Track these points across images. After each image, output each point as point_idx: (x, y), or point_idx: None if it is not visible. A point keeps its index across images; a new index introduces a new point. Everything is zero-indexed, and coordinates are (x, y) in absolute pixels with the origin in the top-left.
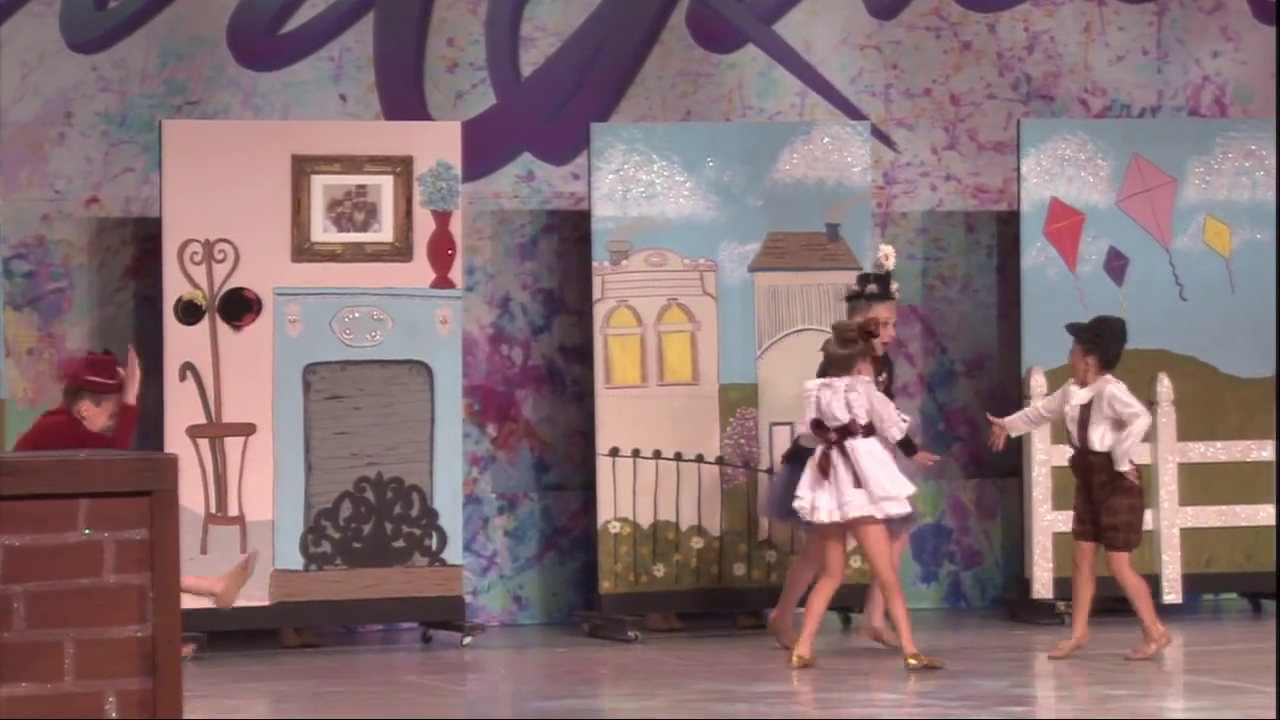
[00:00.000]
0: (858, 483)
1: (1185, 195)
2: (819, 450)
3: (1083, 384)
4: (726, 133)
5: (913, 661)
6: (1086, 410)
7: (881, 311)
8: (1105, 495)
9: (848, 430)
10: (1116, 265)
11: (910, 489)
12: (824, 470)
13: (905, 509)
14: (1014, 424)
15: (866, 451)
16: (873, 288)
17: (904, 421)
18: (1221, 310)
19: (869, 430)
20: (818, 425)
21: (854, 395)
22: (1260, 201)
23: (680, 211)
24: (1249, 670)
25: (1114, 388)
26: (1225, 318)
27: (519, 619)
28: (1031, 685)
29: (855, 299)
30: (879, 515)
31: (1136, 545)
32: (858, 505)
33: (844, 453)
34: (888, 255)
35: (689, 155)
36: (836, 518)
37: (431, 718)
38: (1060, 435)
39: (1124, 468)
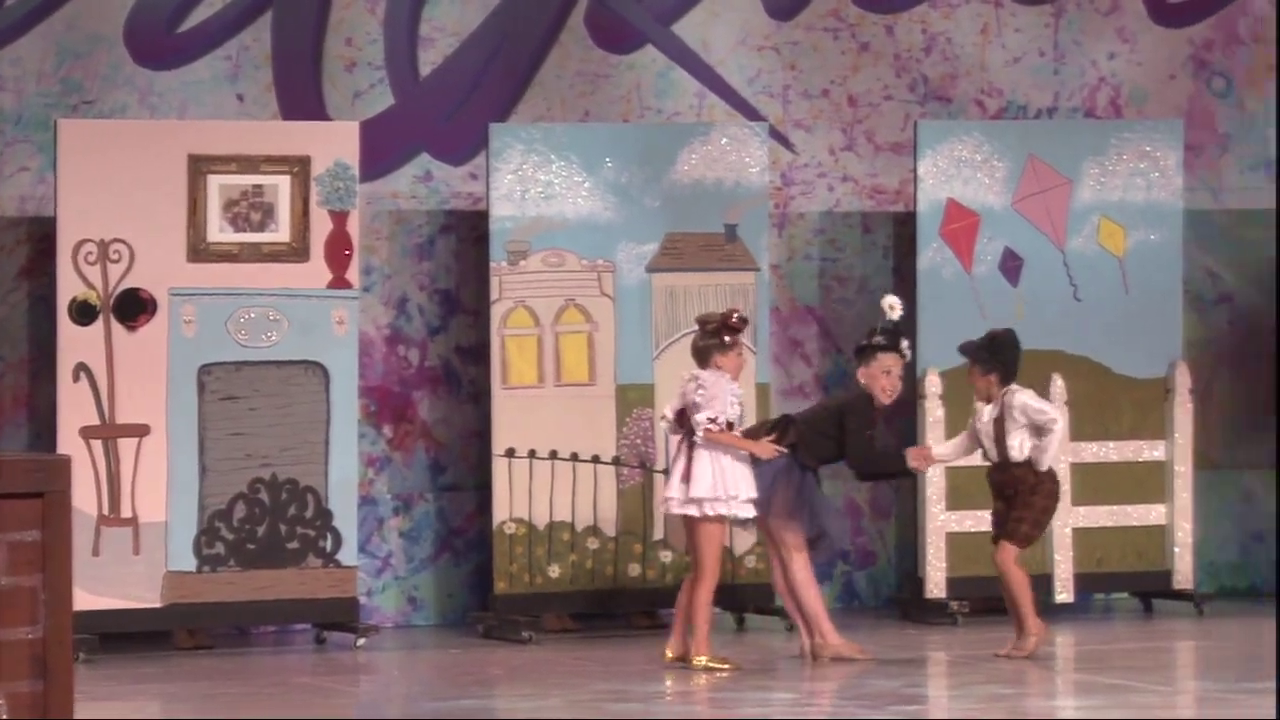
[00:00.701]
0: (688, 477)
1: (1080, 196)
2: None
3: (988, 401)
4: (625, 133)
5: (701, 660)
6: (999, 424)
7: (887, 361)
8: (1025, 496)
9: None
10: (1012, 266)
11: (748, 494)
12: (675, 461)
13: (739, 512)
14: (944, 454)
15: (707, 449)
16: (879, 339)
17: (712, 424)
18: (1115, 311)
19: (727, 426)
20: (680, 416)
21: (701, 391)
22: (1155, 202)
23: (578, 212)
24: (1140, 669)
25: (1022, 396)
26: (1119, 318)
27: (413, 620)
28: (924, 685)
29: (863, 351)
30: (695, 514)
31: (1031, 543)
32: (677, 502)
33: (689, 446)
34: (893, 306)
35: (587, 156)
36: (664, 510)
37: (324, 719)
38: (953, 433)
39: (1044, 468)
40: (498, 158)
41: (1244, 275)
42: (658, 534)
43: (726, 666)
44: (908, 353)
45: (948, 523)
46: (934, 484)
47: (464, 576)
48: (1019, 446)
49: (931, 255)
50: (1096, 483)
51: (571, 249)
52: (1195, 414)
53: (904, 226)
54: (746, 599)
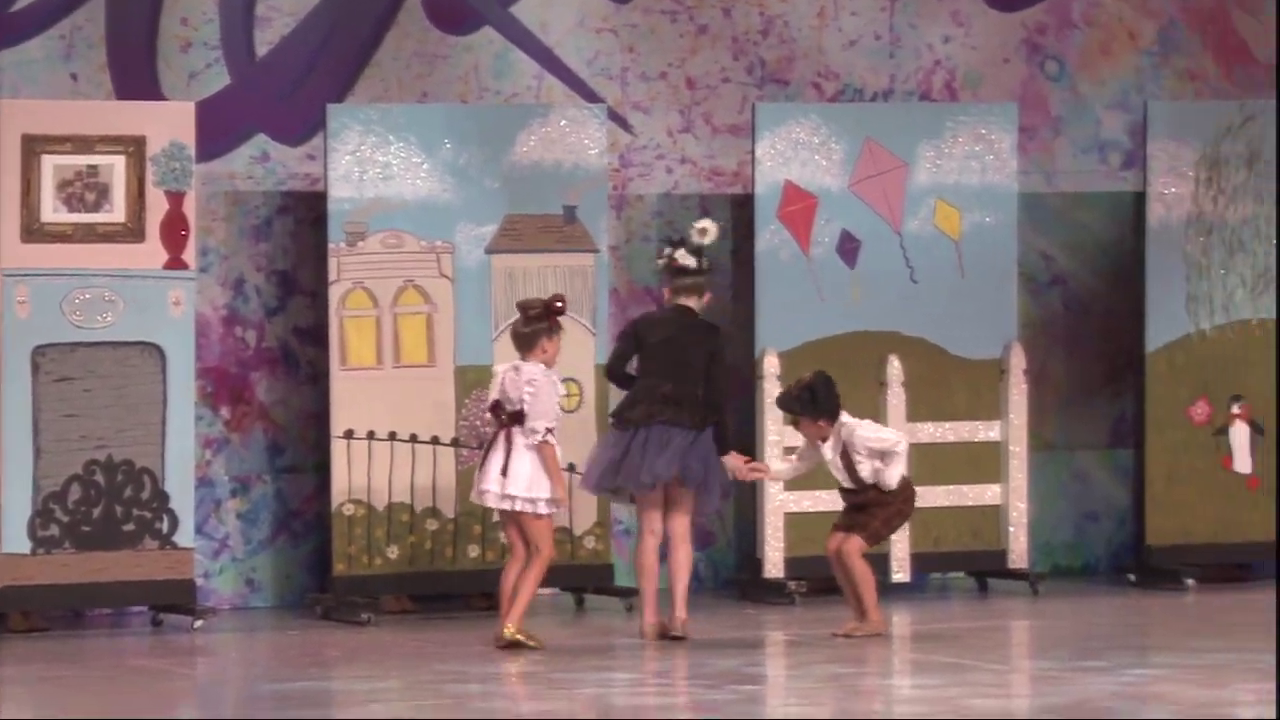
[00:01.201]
0: (506, 471)
1: (916, 179)
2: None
3: (823, 440)
4: (463, 115)
5: (511, 630)
6: (845, 457)
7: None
8: (878, 503)
9: (518, 417)
10: (849, 248)
11: (555, 495)
12: (490, 450)
13: (543, 510)
14: (782, 473)
15: (526, 444)
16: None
17: (547, 430)
18: (951, 293)
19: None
20: (496, 407)
21: (530, 389)
22: (990, 185)
23: (417, 193)
24: (976, 648)
25: (861, 431)
26: (954, 300)
27: (251, 602)
28: (763, 664)
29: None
30: (510, 509)
31: (879, 542)
32: (494, 495)
33: (509, 439)
34: (705, 230)
35: (426, 137)
36: (477, 500)
37: (160, 702)
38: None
39: (894, 485)
40: (335, 138)
41: (1077, 257)
42: (497, 515)
43: (534, 643)
44: (705, 266)
45: (786, 503)
46: (771, 465)
47: (302, 558)
48: (871, 473)
49: (769, 237)
50: (933, 463)
51: (410, 230)
52: (1030, 394)
53: (742, 209)
54: (586, 579)
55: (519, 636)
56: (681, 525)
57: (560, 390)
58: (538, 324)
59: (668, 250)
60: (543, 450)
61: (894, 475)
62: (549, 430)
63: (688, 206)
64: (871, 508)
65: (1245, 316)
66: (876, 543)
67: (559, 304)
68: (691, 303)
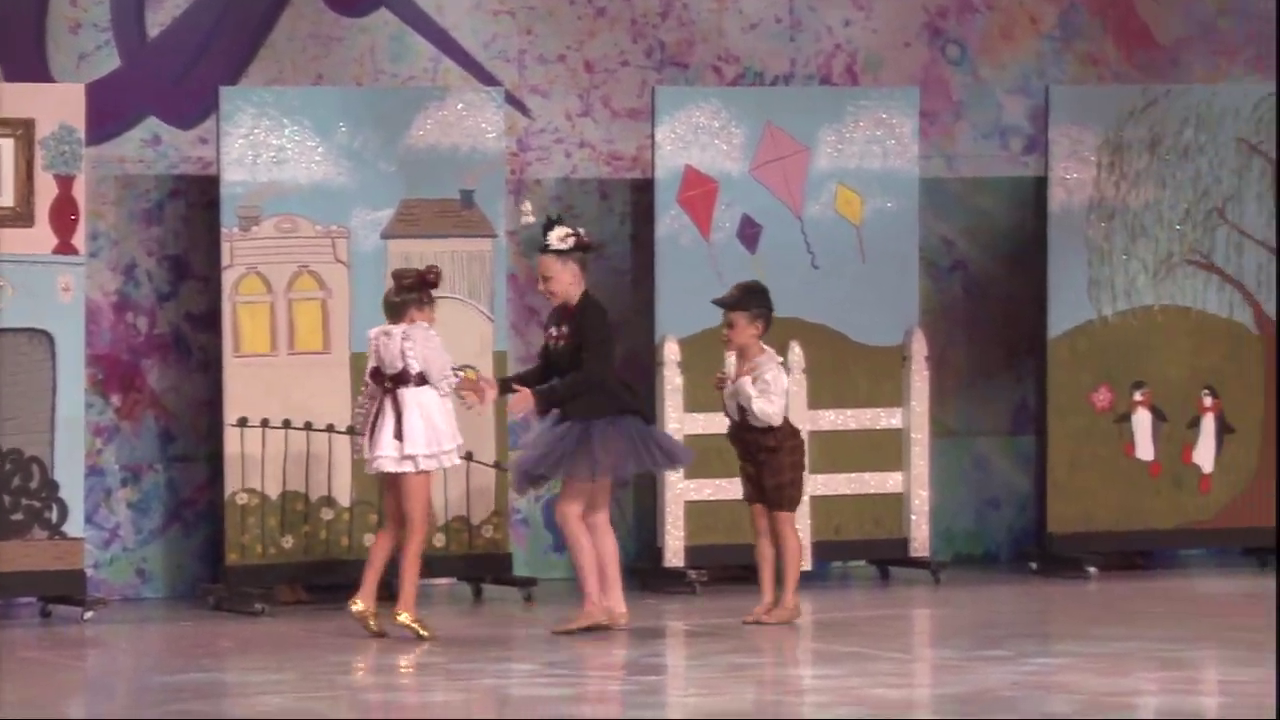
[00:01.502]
0: (400, 434)
1: (817, 163)
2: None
3: (742, 354)
4: (359, 97)
5: (405, 617)
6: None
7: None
8: (768, 457)
9: (400, 379)
10: (749, 233)
11: (455, 441)
12: (377, 418)
13: (448, 463)
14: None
15: (415, 402)
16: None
17: (454, 375)
18: (852, 278)
19: (422, 380)
20: (375, 373)
21: (409, 344)
22: (891, 170)
23: (311, 177)
24: (878, 637)
25: (767, 370)
26: (855, 286)
27: (142, 593)
28: (663, 654)
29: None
30: (412, 469)
31: (799, 502)
32: (392, 460)
33: (395, 402)
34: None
35: (320, 120)
36: (373, 469)
37: (50, 695)
38: (696, 405)
39: (778, 423)
40: (228, 121)
41: (978, 242)
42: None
43: (428, 633)
44: (559, 246)
45: (686, 491)
46: None
47: (194, 548)
48: (759, 414)
49: (669, 222)
50: (834, 451)
51: (305, 214)
52: (931, 381)
53: (642, 193)
54: (484, 568)
55: (413, 625)
56: (597, 518)
57: (439, 341)
58: (409, 294)
59: (564, 231)
60: (466, 385)
61: (774, 409)
62: (456, 371)
63: (586, 191)
64: (766, 464)
65: (1148, 302)
66: (797, 504)
67: (433, 275)
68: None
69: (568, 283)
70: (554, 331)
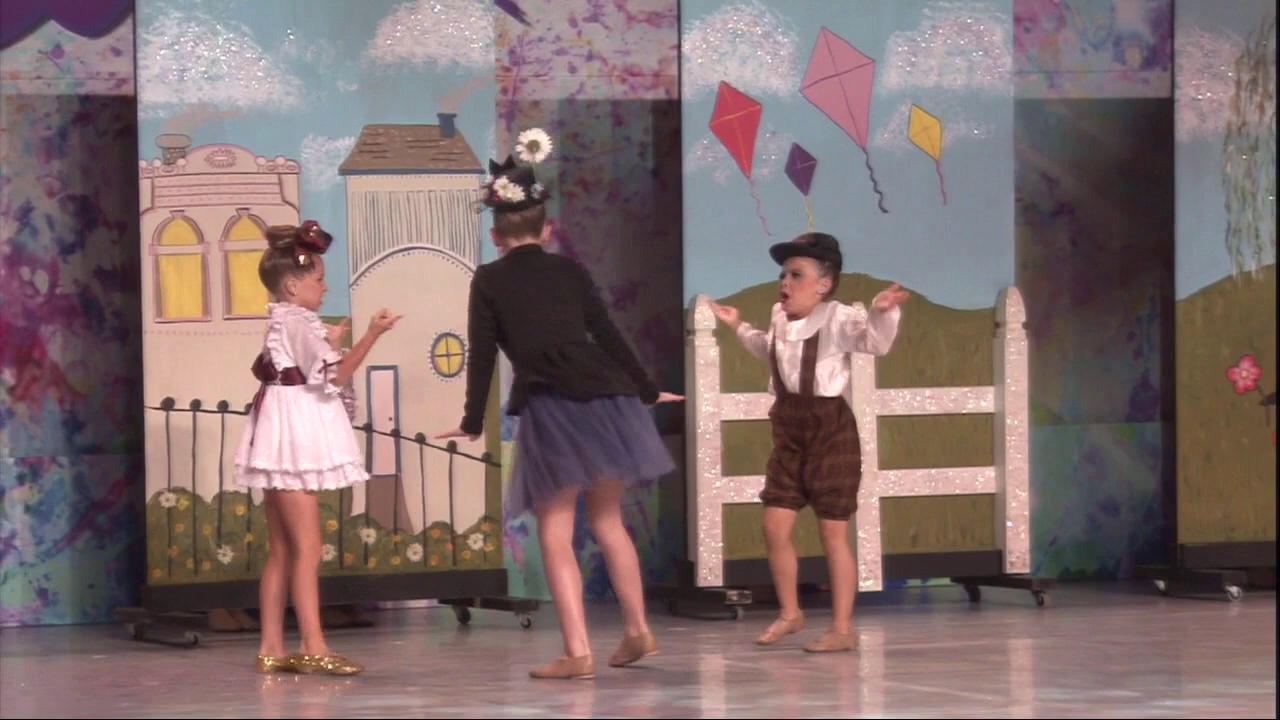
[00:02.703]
0: (254, 440)
1: (885, 80)
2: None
3: (798, 316)
4: None
5: (315, 659)
6: (812, 346)
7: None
8: (824, 451)
9: (265, 373)
10: (801, 168)
11: (348, 458)
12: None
13: (332, 483)
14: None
15: (279, 405)
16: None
17: (330, 368)
18: (930, 225)
19: (293, 377)
20: (260, 363)
21: (274, 332)
22: (978, 89)
23: (253, 98)
24: (966, 674)
25: (844, 309)
26: (935, 234)
27: (44, 618)
28: (698, 696)
29: (493, 204)
30: (265, 485)
31: (853, 512)
32: (240, 472)
33: (257, 400)
34: (536, 144)
35: (263, 26)
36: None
37: None
38: (736, 382)
39: (885, 349)
40: (147, 28)
41: (1086, 179)
42: (357, 508)
43: (350, 668)
44: (538, 193)
45: (723, 492)
46: (707, 442)
47: (109, 563)
48: (829, 376)
49: (700, 154)
50: (910, 441)
51: (244, 145)
52: (1031, 355)
53: (665, 118)
54: (472, 587)
55: (328, 664)
56: (603, 525)
57: (319, 329)
58: (283, 258)
59: (486, 180)
60: (345, 374)
61: (885, 338)
62: (330, 365)
63: (597, 115)
64: (818, 452)
65: None
66: (852, 514)
67: (312, 234)
68: (531, 241)
69: None
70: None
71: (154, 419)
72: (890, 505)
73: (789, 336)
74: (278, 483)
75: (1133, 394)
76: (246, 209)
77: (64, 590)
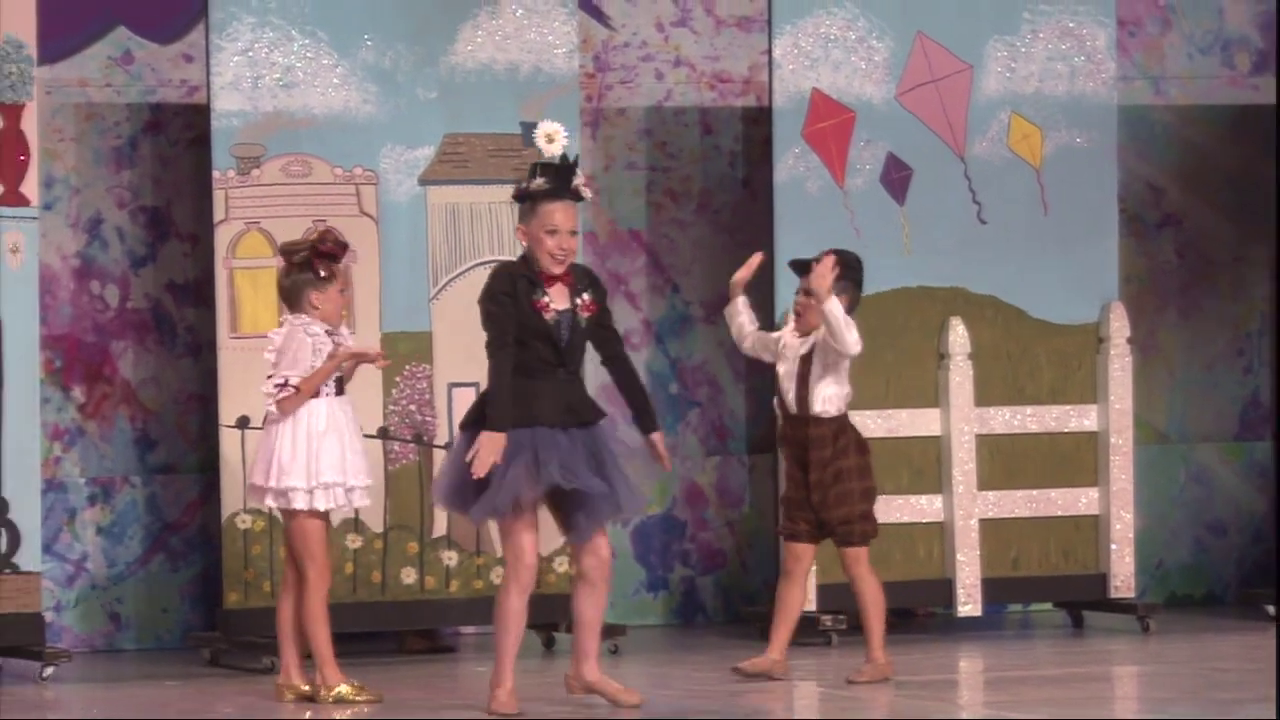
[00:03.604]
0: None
1: (984, 87)
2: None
3: (806, 333)
4: (389, 3)
5: (335, 691)
6: (807, 362)
7: (554, 214)
8: (830, 481)
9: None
10: (897, 178)
11: (338, 478)
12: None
13: (331, 503)
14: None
15: (279, 425)
16: (541, 181)
17: (283, 389)
18: (1031, 236)
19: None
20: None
21: (271, 347)
22: (1080, 95)
23: (329, 106)
24: (1069, 702)
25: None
26: (1035, 246)
27: (117, 643)
28: None
29: (523, 199)
30: (263, 505)
31: (875, 535)
32: (251, 490)
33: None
34: (551, 136)
35: (339, 32)
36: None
37: None
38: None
39: (855, 349)
40: (219, 34)
41: (1193, 189)
42: (439, 529)
43: (366, 697)
44: (586, 193)
45: None
46: None
47: (183, 586)
48: (823, 398)
49: (792, 164)
50: (1010, 461)
51: (320, 155)
52: (1136, 371)
53: (756, 126)
54: (557, 612)
55: (347, 695)
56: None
57: (322, 344)
58: (302, 273)
59: (523, 185)
60: (290, 402)
61: (854, 336)
62: (282, 386)
63: (685, 123)
64: (824, 477)
65: None
66: (872, 539)
67: (329, 245)
68: None
69: None
70: (582, 300)
71: (229, 438)
72: (990, 527)
73: (788, 354)
74: (270, 501)
75: (1242, 412)
76: (322, 220)
77: (136, 615)
